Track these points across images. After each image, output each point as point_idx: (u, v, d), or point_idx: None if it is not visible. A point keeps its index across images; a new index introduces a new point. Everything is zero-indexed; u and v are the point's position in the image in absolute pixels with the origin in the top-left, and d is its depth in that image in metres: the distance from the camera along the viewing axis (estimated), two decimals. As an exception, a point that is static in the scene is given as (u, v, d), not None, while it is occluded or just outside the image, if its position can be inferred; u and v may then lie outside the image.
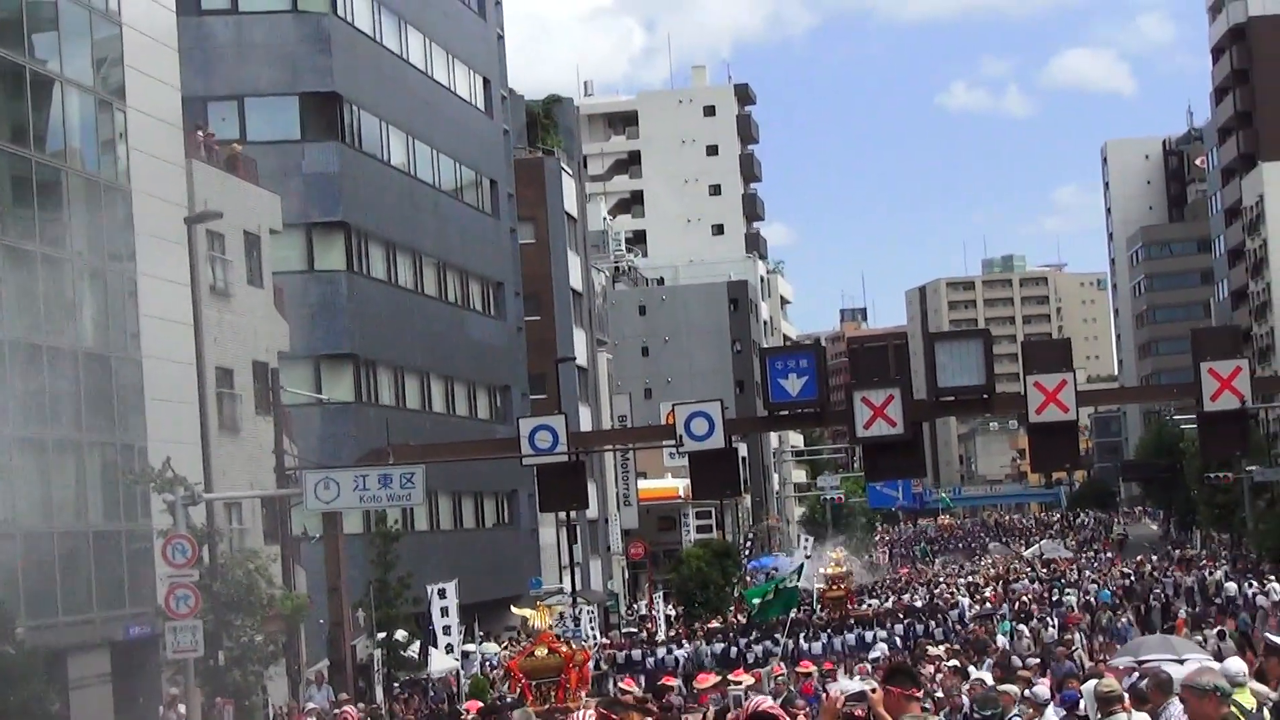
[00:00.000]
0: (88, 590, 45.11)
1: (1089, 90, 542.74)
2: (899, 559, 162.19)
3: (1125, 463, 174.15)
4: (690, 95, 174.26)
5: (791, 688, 36.73)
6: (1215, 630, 49.00)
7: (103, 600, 45.46)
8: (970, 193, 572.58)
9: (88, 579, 45.14)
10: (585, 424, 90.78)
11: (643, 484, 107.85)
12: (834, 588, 73.32)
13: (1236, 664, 17.78)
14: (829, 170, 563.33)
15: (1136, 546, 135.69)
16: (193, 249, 49.83)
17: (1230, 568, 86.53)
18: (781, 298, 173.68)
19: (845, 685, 15.23)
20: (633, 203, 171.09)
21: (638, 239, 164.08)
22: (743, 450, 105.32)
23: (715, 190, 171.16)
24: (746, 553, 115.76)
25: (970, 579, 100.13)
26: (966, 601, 75.97)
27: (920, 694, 15.56)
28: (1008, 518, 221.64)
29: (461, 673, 53.27)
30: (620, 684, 36.08)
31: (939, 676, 36.62)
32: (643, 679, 48.17)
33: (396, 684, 51.73)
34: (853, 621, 65.66)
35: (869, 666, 42.80)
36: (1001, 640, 55.70)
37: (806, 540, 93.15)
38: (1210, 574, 79.96)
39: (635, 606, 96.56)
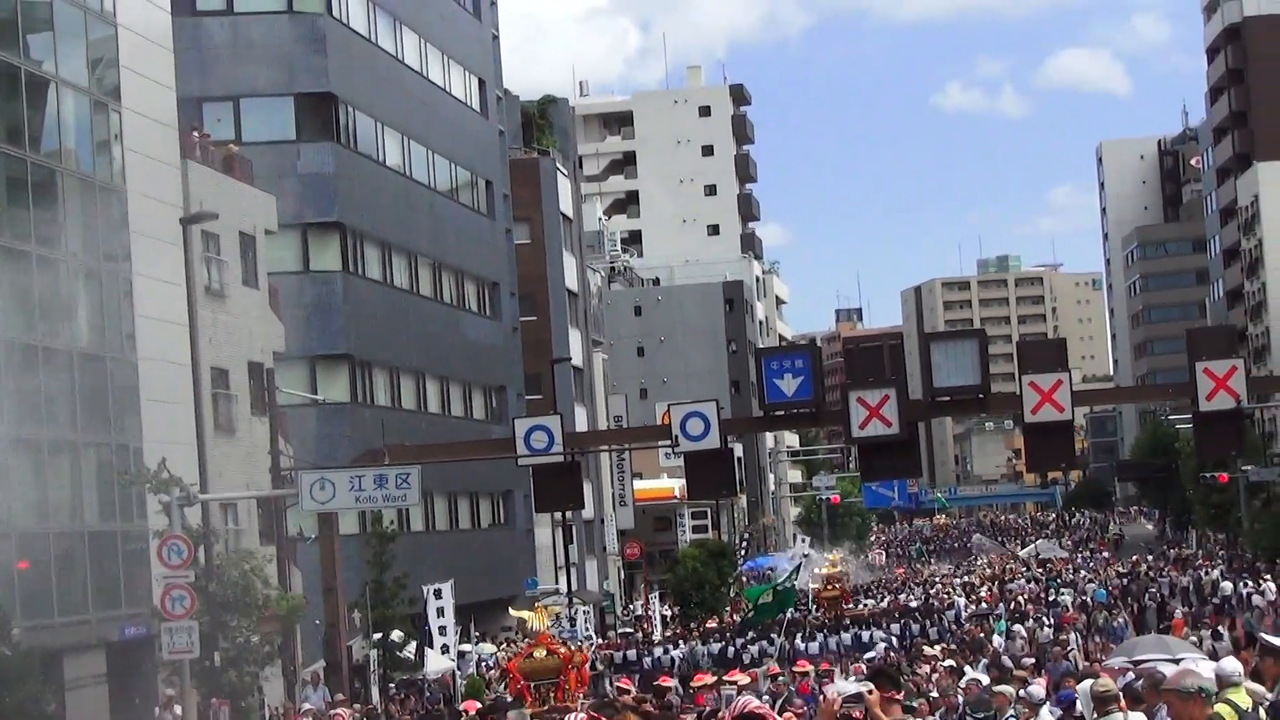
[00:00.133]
0: (83, 591, 45.08)
1: (1084, 90, 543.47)
2: (895, 559, 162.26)
3: (1121, 462, 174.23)
4: (685, 95, 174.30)
5: (791, 687, 36.79)
6: (1209, 630, 49.11)
7: (98, 601, 45.43)
8: (965, 193, 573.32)
9: (83, 580, 45.11)
10: (581, 424, 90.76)
11: (638, 484, 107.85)
12: (829, 588, 73.29)
13: (1231, 663, 17.75)
14: (824, 170, 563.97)
15: (1132, 546, 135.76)
16: (188, 249, 49.75)
17: (1226, 567, 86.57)
18: (777, 298, 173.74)
19: (842, 687, 15.25)
20: (628, 203, 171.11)
21: (633, 239, 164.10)
22: (738, 450, 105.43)
23: (710, 190, 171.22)
24: (742, 553, 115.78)
25: (966, 579, 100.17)
26: (962, 601, 76.00)
27: (901, 695, 15.63)
28: (1003, 517, 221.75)
29: (458, 673, 53.27)
30: (617, 684, 36.13)
31: (935, 677, 36.67)
32: (639, 679, 48.14)
33: (392, 684, 51.76)
34: (848, 621, 65.64)
35: (864, 667, 42.80)
36: (998, 640, 55.75)
37: (803, 539, 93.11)
38: (1206, 574, 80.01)
39: (631, 607, 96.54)
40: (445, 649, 52.04)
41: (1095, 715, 18.41)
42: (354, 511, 52.82)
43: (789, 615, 63.58)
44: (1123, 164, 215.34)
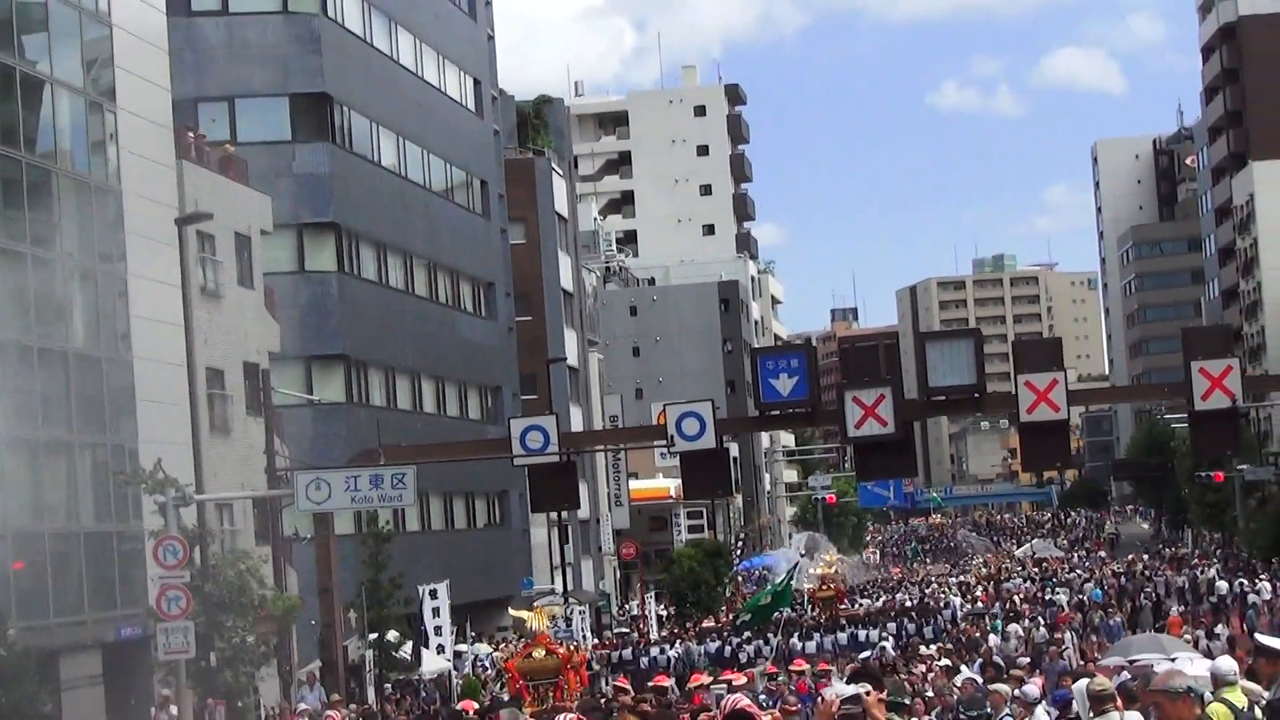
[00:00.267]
0: (79, 591, 45.06)
1: (1079, 89, 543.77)
2: (890, 558, 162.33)
3: (1116, 462, 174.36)
4: (681, 95, 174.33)
5: (790, 686, 36.81)
6: (1202, 630, 49.14)
7: (94, 601, 45.42)
8: (961, 192, 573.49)
9: (79, 580, 45.09)
10: (576, 424, 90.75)
11: (634, 484, 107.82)
12: (824, 587, 73.42)
13: (1227, 663, 17.78)
14: (820, 170, 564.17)
15: (1128, 545, 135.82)
16: (183, 250, 49.77)
17: (1222, 566, 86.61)
18: (772, 297, 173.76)
19: (840, 689, 15.29)
20: (623, 203, 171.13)
21: (628, 239, 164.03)
22: (734, 450, 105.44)
23: (706, 190, 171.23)
24: (738, 553, 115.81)
25: (961, 578, 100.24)
26: (958, 601, 76.05)
27: (885, 695, 15.66)
28: (999, 517, 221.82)
29: (454, 673, 53.29)
30: (614, 684, 36.12)
31: (930, 676, 36.72)
32: (635, 679, 48.15)
33: (388, 684, 51.75)
34: (844, 621, 65.71)
35: (872, 663, 42.84)
36: (993, 639, 55.82)
37: (799, 539, 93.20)
38: (1202, 573, 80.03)
39: (627, 607, 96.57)
40: (441, 649, 52.06)
41: (1091, 715, 18.42)
42: (349, 512, 52.78)
43: (785, 615, 63.69)
44: (1118, 163, 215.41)
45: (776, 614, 62.62)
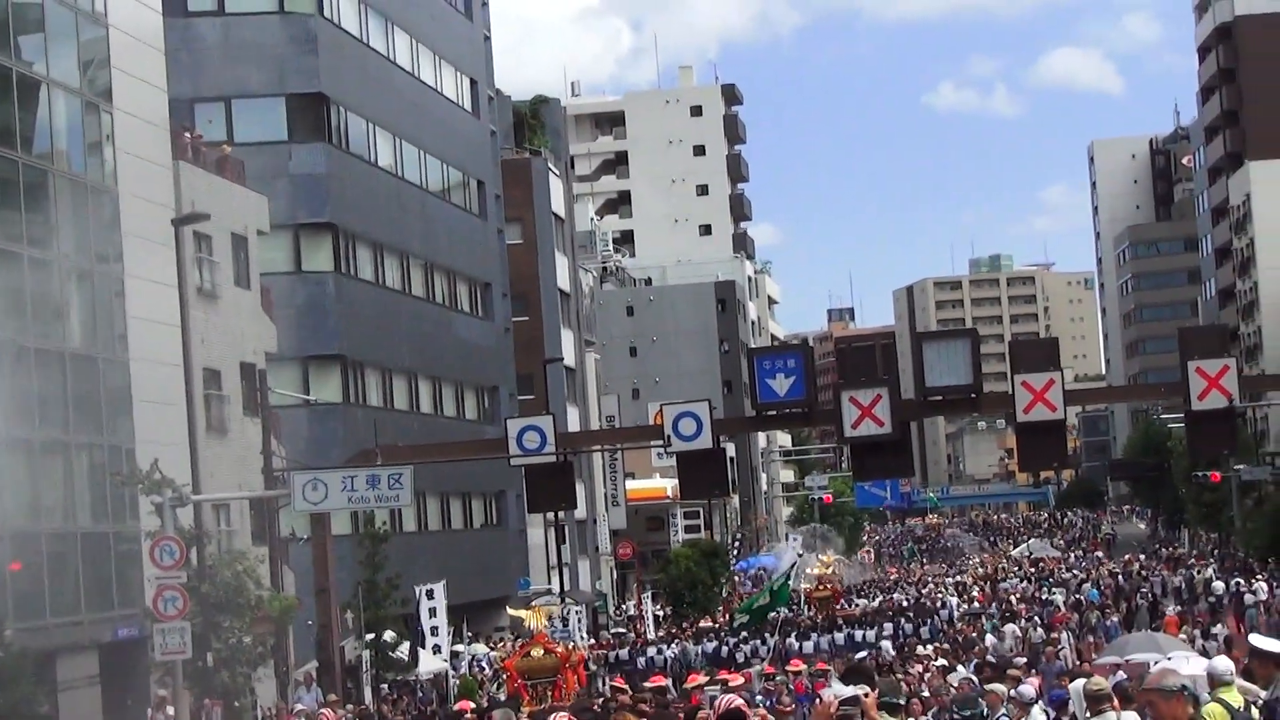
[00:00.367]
0: (76, 592, 45.03)
1: (1076, 89, 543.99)
2: (887, 558, 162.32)
3: (1113, 462, 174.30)
4: (677, 95, 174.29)
5: (789, 686, 36.83)
6: (1199, 629, 49.15)
7: (91, 602, 45.39)
8: (958, 192, 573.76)
9: (76, 581, 45.07)
10: (573, 424, 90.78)
11: (631, 484, 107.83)
12: (821, 587, 73.43)
13: (1223, 663, 17.76)
14: (816, 170, 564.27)
15: (1125, 546, 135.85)
16: (180, 250, 49.77)
17: (1218, 566, 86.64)
18: (769, 298, 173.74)
19: (839, 690, 15.30)
20: (620, 203, 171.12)
21: (625, 239, 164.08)
22: (731, 450, 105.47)
23: (703, 190, 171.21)
24: (734, 553, 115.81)
25: (958, 579, 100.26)
26: (955, 601, 76.06)
27: (875, 694, 15.67)
28: (996, 517, 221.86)
29: (451, 673, 53.28)
30: (611, 684, 36.12)
31: (927, 676, 36.73)
32: (632, 679, 48.17)
33: (385, 685, 51.73)
34: (841, 621, 65.73)
35: (863, 663, 42.83)
36: (990, 639, 55.82)
37: (795, 539, 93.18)
38: (1199, 573, 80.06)
39: (624, 607, 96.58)
40: (437, 649, 52.04)
41: (1088, 714, 18.43)
42: (346, 512, 52.78)
43: (782, 615, 63.69)
44: (1114, 163, 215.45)
45: (773, 614, 62.63)
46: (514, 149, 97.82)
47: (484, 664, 60.84)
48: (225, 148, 58.23)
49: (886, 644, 57.32)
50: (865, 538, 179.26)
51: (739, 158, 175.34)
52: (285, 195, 64.13)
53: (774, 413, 44.47)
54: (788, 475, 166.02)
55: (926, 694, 30.97)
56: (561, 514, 72.87)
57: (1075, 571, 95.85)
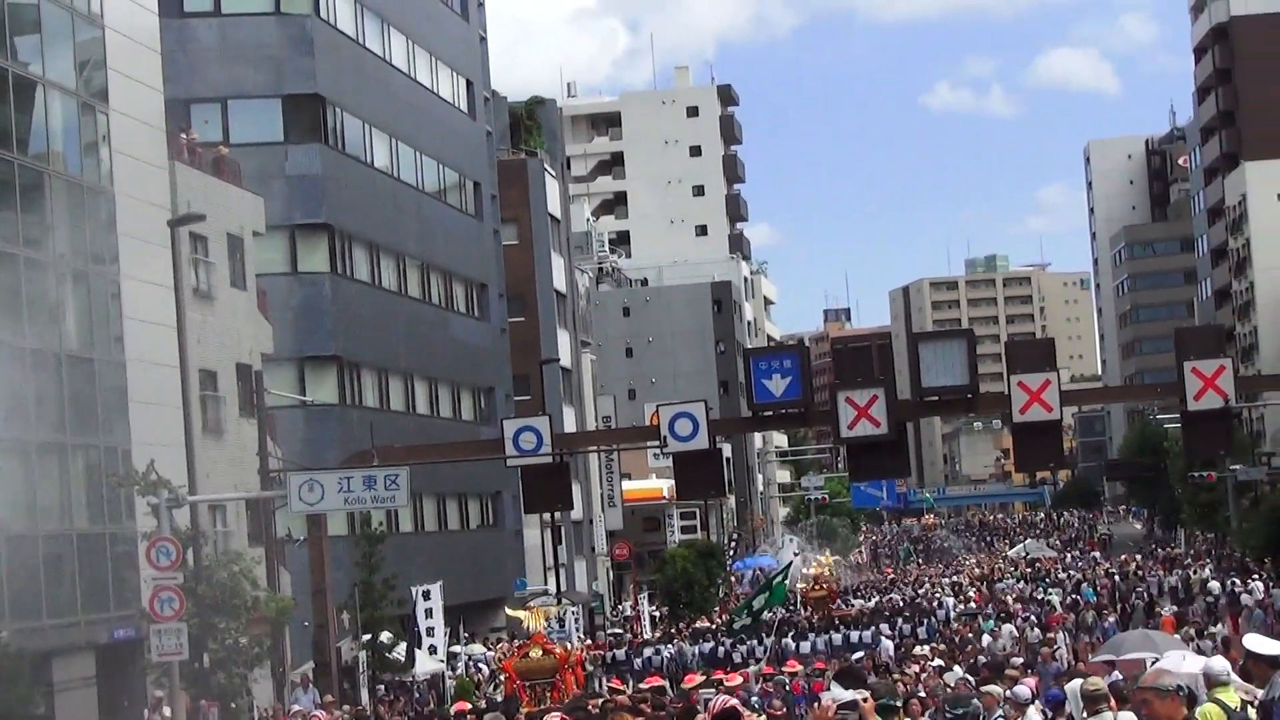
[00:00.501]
0: (72, 593, 45.03)
1: (1073, 90, 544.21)
2: (883, 559, 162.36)
3: (1109, 462, 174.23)
4: (673, 96, 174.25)
5: (787, 686, 36.82)
6: (1194, 629, 49.14)
7: (87, 603, 45.38)
8: (954, 193, 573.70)
9: (72, 582, 45.06)
10: (569, 425, 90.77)
11: (627, 485, 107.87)
12: (817, 587, 73.40)
13: (1220, 662, 17.75)
14: (813, 171, 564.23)
15: (1121, 546, 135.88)
16: (176, 251, 49.75)
17: (1214, 566, 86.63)
18: (765, 298, 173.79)
19: (837, 694, 15.30)
20: (616, 204, 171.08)
21: (621, 240, 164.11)
22: (727, 451, 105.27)
23: (699, 191, 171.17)
24: (731, 553, 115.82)
25: (954, 579, 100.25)
26: (951, 601, 76.03)
27: (871, 700, 15.68)
28: (992, 517, 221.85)
29: (448, 674, 53.29)
30: (609, 684, 36.10)
31: (923, 676, 36.73)
32: (630, 679, 48.16)
33: (381, 685, 51.72)
34: (837, 621, 65.68)
35: (855, 664, 42.83)
36: (986, 640, 55.82)
37: (792, 539, 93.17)
38: (1195, 573, 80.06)
39: (620, 607, 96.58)
40: (434, 650, 52.03)
41: (1085, 715, 18.41)
42: (343, 513, 52.78)
43: (779, 615, 63.62)
44: (1110, 163, 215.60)
45: (769, 614, 62.57)
46: (510, 150, 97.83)
47: (480, 665, 60.83)
48: (221, 149, 58.22)
49: (889, 644, 57.36)
50: (862, 538, 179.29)
51: (735, 158, 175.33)
52: (281, 196, 64.12)
53: (770, 413, 44.41)
54: (784, 476, 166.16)
55: (923, 694, 30.96)
56: (558, 515, 72.76)
57: (1072, 572, 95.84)
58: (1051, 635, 53.33)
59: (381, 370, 71.67)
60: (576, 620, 68.37)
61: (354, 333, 68.62)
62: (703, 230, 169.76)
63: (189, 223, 49.94)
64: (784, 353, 46.03)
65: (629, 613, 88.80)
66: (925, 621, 64.54)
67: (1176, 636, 40.06)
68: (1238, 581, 70.95)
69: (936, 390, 42.85)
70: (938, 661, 41.44)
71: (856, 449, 43.96)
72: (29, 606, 42.71)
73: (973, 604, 75.68)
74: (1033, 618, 64.15)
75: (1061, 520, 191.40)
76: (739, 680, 34.01)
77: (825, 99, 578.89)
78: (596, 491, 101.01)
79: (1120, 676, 24.43)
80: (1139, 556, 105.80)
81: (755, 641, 59.53)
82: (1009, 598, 76.66)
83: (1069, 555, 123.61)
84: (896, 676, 36.44)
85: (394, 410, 71.87)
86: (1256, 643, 17.33)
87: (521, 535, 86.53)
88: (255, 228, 57.75)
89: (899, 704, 16.39)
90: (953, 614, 69.65)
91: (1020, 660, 39.95)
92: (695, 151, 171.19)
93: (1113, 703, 18.28)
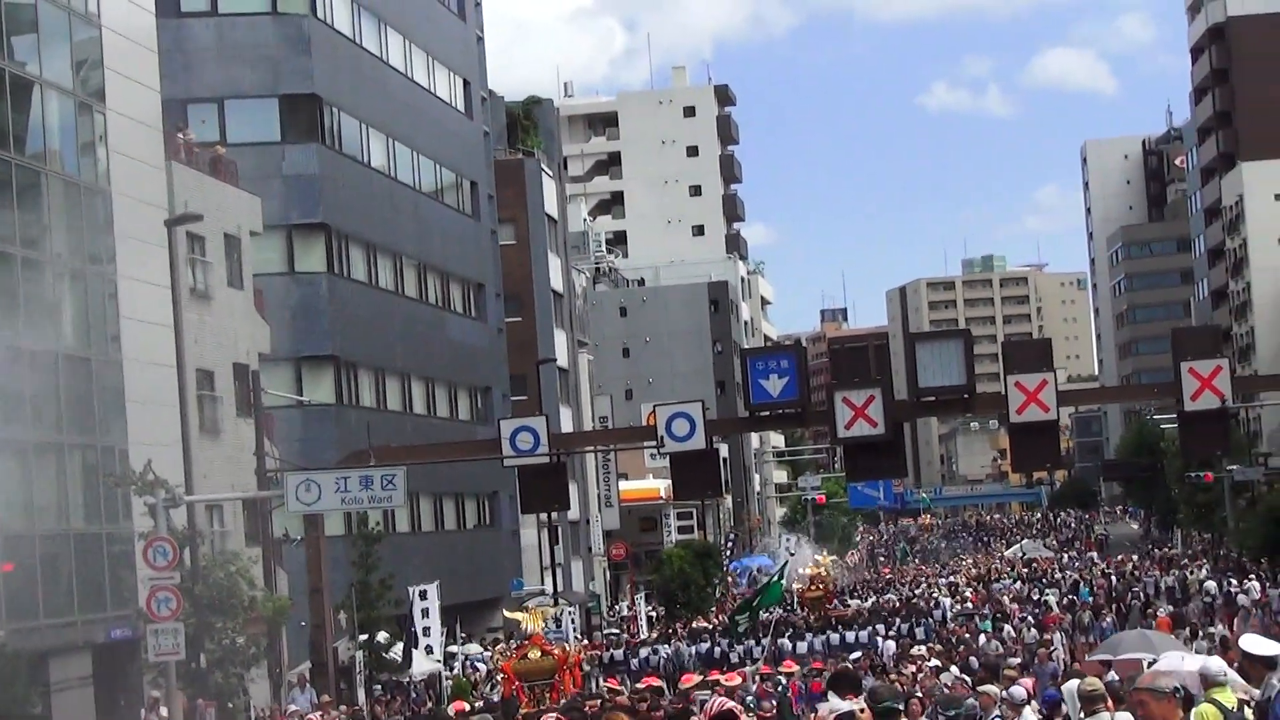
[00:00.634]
0: (69, 593, 45.02)
1: (1070, 90, 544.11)
2: (880, 559, 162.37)
3: (1106, 462, 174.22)
4: (670, 96, 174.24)
5: (785, 688, 36.80)
6: (1190, 629, 49.14)
7: (84, 603, 45.38)
8: (951, 193, 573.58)
9: (69, 582, 45.06)
10: (566, 425, 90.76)
11: (624, 485, 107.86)
12: (813, 588, 73.37)
13: (1216, 663, 17.76)
14: (810, 171, 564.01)
15: (1118, 546, 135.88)
16: (173, 251, 49.78)
17: (1211, 567, 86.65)
18: (762, 298, 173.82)
19: (835, 704, 15.27)
20: (613, 204, 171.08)
21: (618, 240, 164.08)
22: (724, 451, 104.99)
23: (695, 191, 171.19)
24: (728, 553, 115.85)
25: (951, 579, 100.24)
26: (948, 602, 76.03)
27: (860, 699, 15.66)
28: (989, 517, 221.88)
29: (444, 674, 53.27)
30: (606, 684, 36.13)
31: (920, 677, 36.73)
32: (627, 679, 48.18)
33: (378, 685, 51.71)
34: (834, 621, 65.71)
35: (850, 667, 42.83)
36: (984, 640, 55.83)
37: (789, 539, 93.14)
38: (1191, 574, 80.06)
39: (617, 607, 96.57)
40: (430, 650, 52.02)
41: (1082, 715, 18.42)
42: (340, 513, 52.78)
43: (775, 615, 63.64)
44: (1107, 164, 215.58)
45: (765, 614, 62.58)
46: (507, 150, 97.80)
47: (477, 665, 60.81)
48: (218, 148, 58.21)
49: (890, 644, 57.35)
50: (859, 538, 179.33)
51: (732, 158, 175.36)
52: (278, 196, 64.11)
53: (767, 413, 44.44)
54: (781, 476, 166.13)
55: (920, 695, 30.97)
56: (555, 515, 72.77)
57: (1068, 572, 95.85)
58: (1048, 636, 53.37)
59: (378, 370, 71.67)
60: (573, 620, 68.30)
61: (351, 333, 68.62)
62: (700, 230, 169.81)
63: (186, 222, 49.95)
64: (781, 353, 46.07)
65: (626, 613, 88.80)
66: (923, 622, 64.58)
67: (1173, 636, 40.09)
68: (1234, 582, 71.00)
69: (933, 390, 42.89)
70: (934, 662, 41.45)
71: (853, 449, 44.01)
72: (26, 606, 42.71)
73: (969, 604, 75.69)
74: (1029, 618, 64.17)
75: (1058, 520, 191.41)
76: (736, 681, 33.98)
77: (822, 99, 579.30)
78: (593, 491, 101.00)
79: (1117, 677, 24.44)
80: (1136, 557, 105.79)
81: (752, 642, 59.56)
82: (1006, 598, 76.65)
83: (1066, 555, 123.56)
84: (894, 677, 36.45)
85: (391, 410, 71.87)
86: (1252, 643, 17.33)
87: (518, 535, 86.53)
88: (252, 228, 57.75)
89: (900, 706, 16.37)
90: (949, 614, 69.66)
91: (1017, 660, 39.98)
92: (692, 151, 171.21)
93: (1110, 703, 18.29)
